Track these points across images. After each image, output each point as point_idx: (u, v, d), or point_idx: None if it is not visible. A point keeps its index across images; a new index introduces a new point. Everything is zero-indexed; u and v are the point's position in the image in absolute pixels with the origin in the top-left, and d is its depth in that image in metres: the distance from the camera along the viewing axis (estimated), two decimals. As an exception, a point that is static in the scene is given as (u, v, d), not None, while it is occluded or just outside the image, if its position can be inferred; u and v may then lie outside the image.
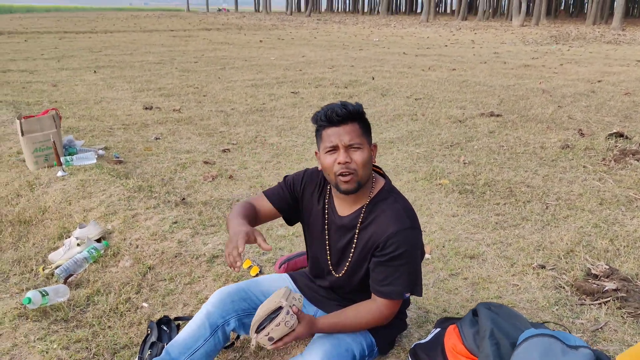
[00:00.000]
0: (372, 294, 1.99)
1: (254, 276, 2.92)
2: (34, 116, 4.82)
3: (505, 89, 9.79)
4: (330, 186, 2.14)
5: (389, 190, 2.06)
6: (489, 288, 2.96)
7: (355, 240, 2.04)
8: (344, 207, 2.08)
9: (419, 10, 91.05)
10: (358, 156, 1.92)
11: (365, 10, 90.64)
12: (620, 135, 6.09)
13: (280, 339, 1.82)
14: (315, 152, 2.05)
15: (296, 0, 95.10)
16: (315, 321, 1.92)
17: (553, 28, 35.12)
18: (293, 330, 1.83)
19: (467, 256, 3.36)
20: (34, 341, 2.55)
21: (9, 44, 18.92)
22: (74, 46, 18.64)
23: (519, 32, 30.94)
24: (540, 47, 20.89)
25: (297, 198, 2.20)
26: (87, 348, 2.54)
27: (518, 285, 2.98)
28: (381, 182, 2.08)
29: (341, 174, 1.92)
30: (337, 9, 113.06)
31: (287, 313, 1.79)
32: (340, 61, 14.60)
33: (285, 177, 2.25)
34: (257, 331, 1.82)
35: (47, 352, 2.46)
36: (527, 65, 13.84)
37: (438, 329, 2.23)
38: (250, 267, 2.96)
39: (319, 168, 2.05)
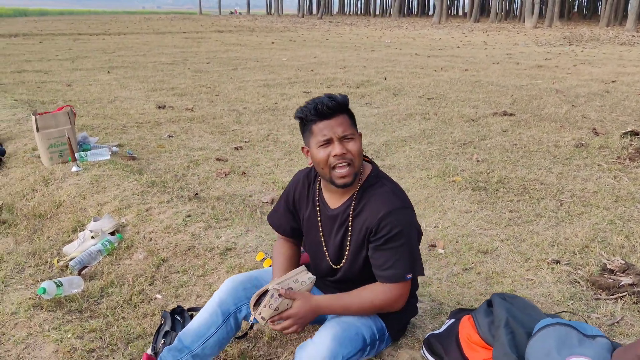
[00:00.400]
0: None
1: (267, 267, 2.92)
2: (49, 112, 4.87)
3: (518, 89, 9.74)
4: (318, 183, 2.14)
5: (377, 176, 2.06)
6: (503, 282, 2.94)
7: (350, 230, 2.04)
8: (334, 200, 2.08)
9: (430, 12, 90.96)
10: (353, 146, 1.93)
11: (377, 12, 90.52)
12: (635, 133, 6.03)
13: (278, 318, 1.89)
14: (303, 148, 2.05)
15: (308, 3, 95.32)
16: (312, 297, 1.93)
17: (566, 30, 34.92)
18: (287, 309, 1.88)
19: (480, 251, 3.34)
20: (49, 330, 2.57)
21: (24, 45, 19.13)
22: (88, 47, 18.81)
23: (532, 34, 30.79)
24: (553, 48, 20.77)
25: (294, 210, 2.24)
26: (101, 338, 2.56)
27: (532, 280, 2.95)
28: (368, 169, 2.08)
29: (337, 166, 1.92)
30: (349, 12, 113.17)
31: (272, 296, 1.83)
32: (352, 62, 14.61)
33: (280, 198, 2.30)
34: (254, 308, 1.90)
35: (61, 341, 2.48)
36: (540, 66, 13.76)
37: (452, 320, 2.22)
38: (263, 259, 2.96)
39: (309, 163, 2.04)
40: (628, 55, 17.39)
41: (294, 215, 2.24)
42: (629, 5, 35.52)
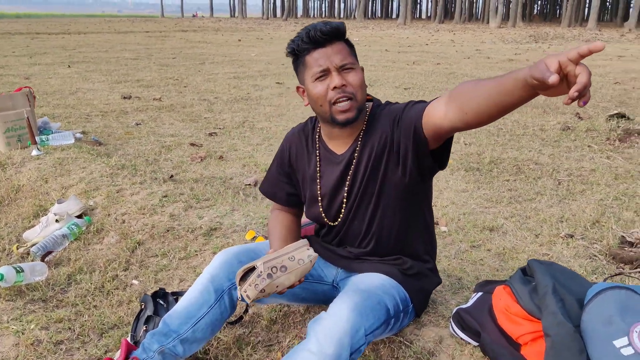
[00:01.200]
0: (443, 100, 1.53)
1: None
2: (5, 94, 4.44)
3: (494, 80, 9.62)
4: (318, 132, 1.85)
5: (379, 106, 1.78)
6: (517, 257, 2.69)
7: (349, 176, 1.77)
8: (339, 145, 1.80)
9: (394, 16, 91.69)
10: (353, 77, 1.66)
11: (341, 15, 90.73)
12: (622, 116, 5.92)
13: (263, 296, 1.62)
14: (298, 87, 1.77)
15: (272, 7, 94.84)
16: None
17: (530, 29, 35.41)
18: (276, 290, 1.63)
19: (486, 228, 3.09)
20: (8, 322, 2.20)
21: (-22, 43, 18.27)
22: (47, 45, 18.07)
23: (497, 33, 31.10)
24: (520, 45, 20.93)
25: (292, 172, 1.95)
26: (70, 328, 2.20)
27: (549, 255, 2.71)
28: (370, 106, 1.80)
29: (337, 101, 1.64)
30: (313, 15, 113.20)
31: (258, 275, 1.56)
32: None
33: (271, 165, 2.01)
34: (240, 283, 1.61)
35: (23, 333, 2.11)
36: (511, 60, 13.76)
37: (480, 293, 1.95)
38: (254, 237, 2.64)
39: (305, 104, 1.75)
40: (593, 51, 17.57)
41: (290, 179, 1.95)
42: (592, 4, 36.32)
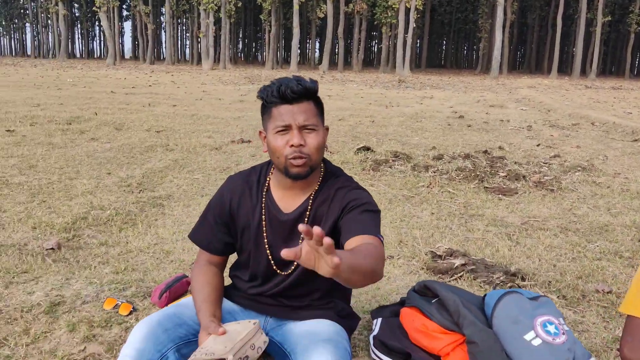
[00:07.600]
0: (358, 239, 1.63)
1: (126, 315, 2.35)
2: None
3: (236, 120, 10.13)
4: (267, 185, 1.87)
5: (333, 174, 1.87)
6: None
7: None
8: (288, 202, 1.83)
9: (96, 55, 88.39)
10: (313, 139, 1.72)
11: (36, 55, 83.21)
12: (367, 148, 6.84)
13: None
14: (260, 132, 1.82)
15: None
16: None
17: (242, 71, 37.82)
18: None
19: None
20: None
21: None
22: None
23: (213, 75, 32.44)
24: (239, 86, 22.21)
25: (231, 222, 1.90)
26: None
27: (386, 276, 3.05)
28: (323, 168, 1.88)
29: (293, 157, 1.70)
30: (4, 53, 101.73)
31: None
32: (43, 99, 13.07)
33: (206, 212, 1.93)
34: None
35: None
36: (241, 101, 14.56)
37: (379, 319, 2.14)
38: (116, 306, 2.37)
39: (264, 150, 1.80)
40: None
41: (229, 228, 1.89)
42: (292, 51, 40.66)
